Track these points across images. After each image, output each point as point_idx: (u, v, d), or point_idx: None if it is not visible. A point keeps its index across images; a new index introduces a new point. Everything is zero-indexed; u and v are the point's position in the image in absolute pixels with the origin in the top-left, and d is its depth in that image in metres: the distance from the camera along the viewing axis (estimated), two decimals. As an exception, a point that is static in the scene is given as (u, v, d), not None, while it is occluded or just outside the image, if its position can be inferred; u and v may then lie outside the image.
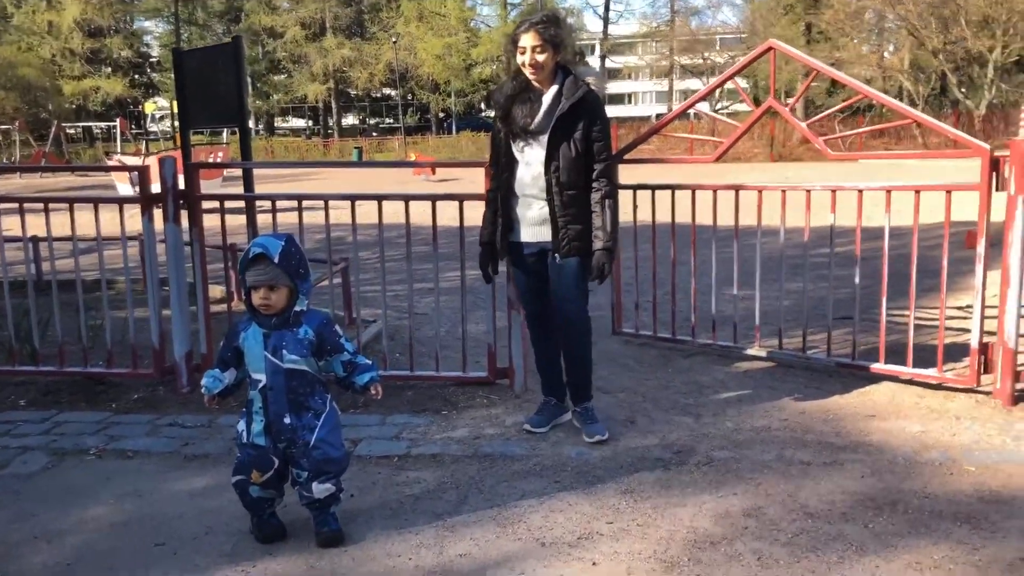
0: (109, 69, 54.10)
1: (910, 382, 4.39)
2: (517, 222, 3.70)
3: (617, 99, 66.38)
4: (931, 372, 4.34)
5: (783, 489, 3.23)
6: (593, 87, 3.61)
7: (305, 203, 4.46)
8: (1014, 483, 3.23)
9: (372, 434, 3.84)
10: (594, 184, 3.62)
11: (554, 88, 3.60)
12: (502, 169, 3.69)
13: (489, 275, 3.85)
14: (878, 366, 4.45)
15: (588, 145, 3.58)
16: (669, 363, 4.90)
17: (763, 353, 4.85)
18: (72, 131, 48.95)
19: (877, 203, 4.44)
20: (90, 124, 49.30)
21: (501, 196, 3.70)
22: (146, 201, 4.25)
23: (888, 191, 4.36)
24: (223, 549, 2.81)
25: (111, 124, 41.78)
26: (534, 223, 3.68)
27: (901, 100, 35.57)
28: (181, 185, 4.33)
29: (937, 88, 36.07)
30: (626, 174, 5.35)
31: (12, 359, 4.56)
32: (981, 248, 4.09)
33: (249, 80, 54.26)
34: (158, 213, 4.25)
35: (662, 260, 5.29)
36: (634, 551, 2.78)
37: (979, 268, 4.11)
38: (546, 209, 3.62)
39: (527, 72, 3.57)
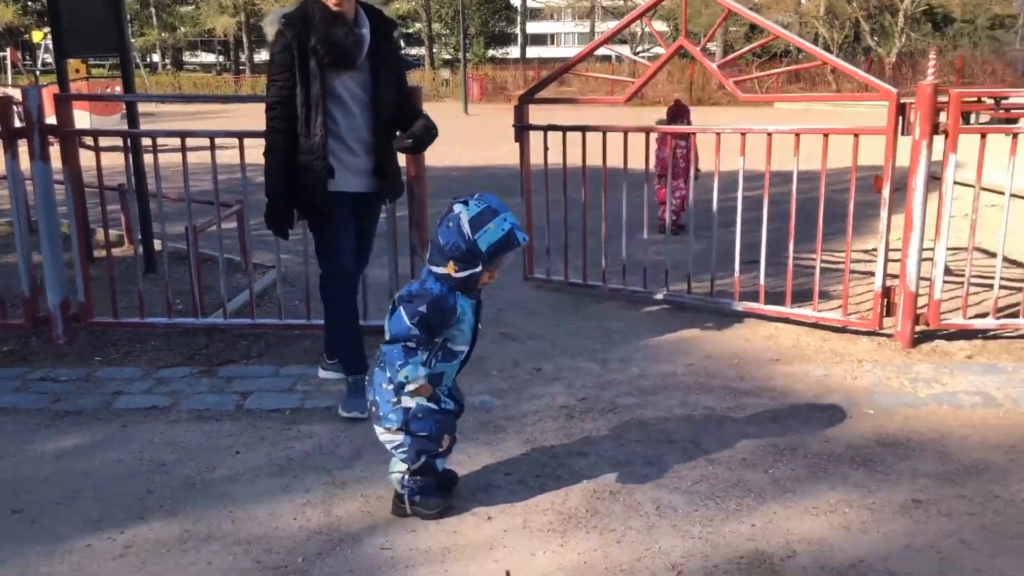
0: (-2, -5, 50.49)
1: (815, 325, 4.41)
2: (338, 170, 3.23)
3: (539, 40, 65.53)
4: (835, 315, 4.36)
5: (686, 436, 3.18)
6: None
7: (191, 141, 4.14)
8: (910, 425, 3.26)
9: (264, 387, 3.64)
10: (418, 118, 3.35)
11: (362, 16, 3.25)
12: (311, 108, 3.14)
13: (287, 233, 3.34)
14: (784, 310, 4.45)
15: (398, 80, 3.37)
16: (580, 309, 4.81)
17: (672, 298, 4.80)
18: (-41, 62, 45.68)
19: (788, 147, 4.37)
20: (-22, 54, 46.03)
21: (319, 140, 3.15)
22: (8, 136, 3.87)
23: (797, 134, 4.31)
24: (89, 515, 2.60)
25: (1, 54, 39.02)
26: (360, 171, 3.30)
27: (816, 46, 36.13)
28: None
29: (851, 35, 36.70)
30: (538, 115, 5.18)
31: None
32: (886, 192, 4.09)
33: (152, 11, 51.96)
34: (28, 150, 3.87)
35: (574, 204, 5.16)
36: (531, 504, 2.69)
37: (883, 212, 4.11)
38: (374, 155, 3.30)
39: (330, 1, 3.12)
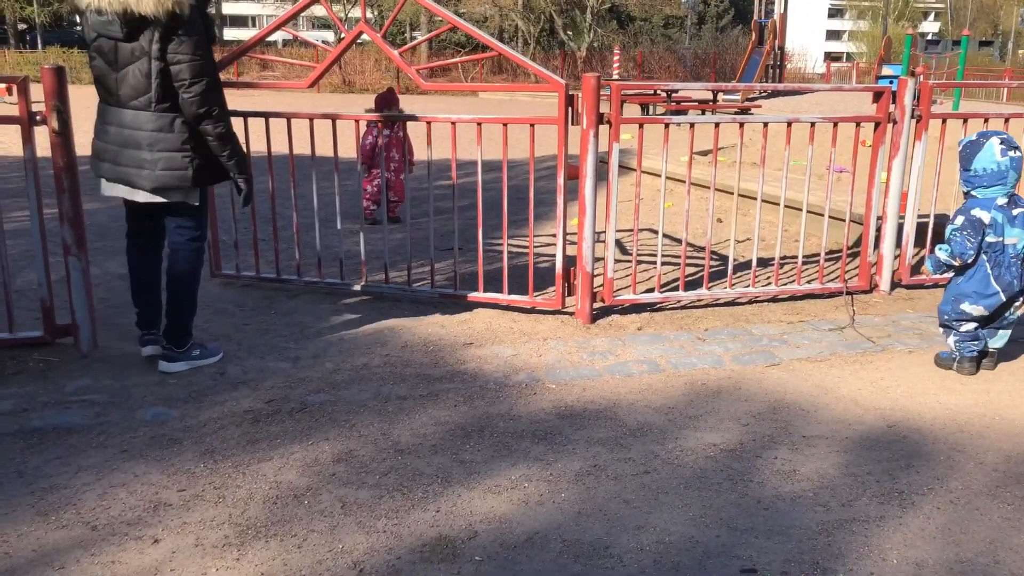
0: None
1: (507, 308, 4.59)
2: None
3: (240, 21, 62.36)
4: (524, 297, 4.57)
5: (377, 428, 3.15)
6: None
7: None
8: (586, 396, 3.49)
9: None
10: None
11: None
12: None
13: None
14: (477, 294, 4.59)
15: None
16: (272, 305, 4.60)
17: (370, 289, 4.75)
18: None
19: (493, 137, 4.45)
20: None
21: None
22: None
23: (479, 123, 4.43)
24: None
25: None
26: None
27: (516, 38, 38.08)
28: None
29: (547, 29, 39.08)
30: (239, 101, 4.85)
31: None
32: (560, 179, 4.34)
33: None
34: None
35: (263, 195, 4.92)
36: (206, 518, 2.50)
37: (560, 199, 4.36)
38: None
39: None
